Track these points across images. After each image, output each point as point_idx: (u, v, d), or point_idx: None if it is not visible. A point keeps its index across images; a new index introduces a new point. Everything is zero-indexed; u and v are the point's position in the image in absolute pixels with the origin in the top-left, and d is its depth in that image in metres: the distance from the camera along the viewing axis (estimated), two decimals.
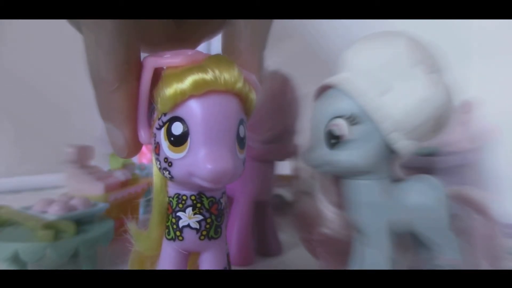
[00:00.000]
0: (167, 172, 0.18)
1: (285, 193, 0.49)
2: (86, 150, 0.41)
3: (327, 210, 0.24)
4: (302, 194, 0.36)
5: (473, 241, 0.23)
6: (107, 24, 0.18)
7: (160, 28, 0.22)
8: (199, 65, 0.18)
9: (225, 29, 0.22)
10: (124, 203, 0.41)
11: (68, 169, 0.39)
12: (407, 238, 0.24)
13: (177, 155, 0.18)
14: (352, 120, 0.21)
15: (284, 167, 0.38)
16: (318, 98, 0.24)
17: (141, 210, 0.45)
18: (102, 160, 0.44)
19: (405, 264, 0.24)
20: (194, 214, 0.19)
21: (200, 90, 0.17)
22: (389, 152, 0.22)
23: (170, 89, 0.17)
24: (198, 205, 0.19)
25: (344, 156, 0.22)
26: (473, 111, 0.44)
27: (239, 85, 0.18)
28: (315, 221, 0.25)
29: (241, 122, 0.18)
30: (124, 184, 0.42)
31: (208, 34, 0.24)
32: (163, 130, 0.18)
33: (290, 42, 0.68)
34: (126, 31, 0.18)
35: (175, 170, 0.18)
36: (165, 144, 0.18)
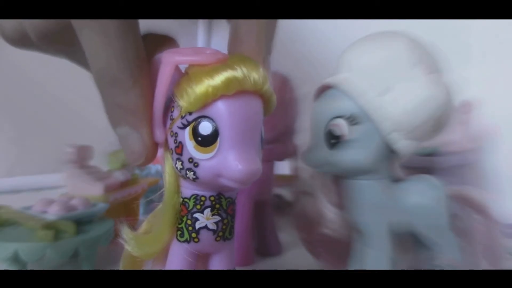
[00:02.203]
0: (192, 172, 0.18)
1: (285, 193, 0.49)
2: (86, 150, 0.41)
3: (327, 210, 0.24)
4: (302, 194, 0.36)
5: (473, 241, 0.23)
6: (114, 24, 0.17)
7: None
8: (227, 64, 0.17)
9: (229, 34, 0.21)
10: (124, 203, 0.41)
11: (68, 169, 0.39)
12: (407, 238, 0.24)
13: (204, 156, 0.17)
14: (352, 120, 0.21)
15: (284, 167, 0.38)
16: (318, 98, 0.24)
17: (141, 210, 0.45)
18: (102, 160, 0.44)
19: (405, 264, 0.24)
20: (213, 215, 0.19)
21: (232, 89, 0.17)
22: (389, 152, 0.22)
23: (201, 87, 0.17)
24: (217, 206, 0.19)
25: (344, 156, 0.22)
26: (473, 111, 0.44)
27: (266, 86, 0.18)
28: (315, 221, 0.25)
29: (262, 123, 0.19)
30: (124, 184, 0.42)
31: None
32: (188, 130, 0.18)
33: (290, 42, 0.68)
34: (131, 29, 0.18)
35: (201, 171, 0.18)
36: (190, 144, 0.18)
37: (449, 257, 0.23)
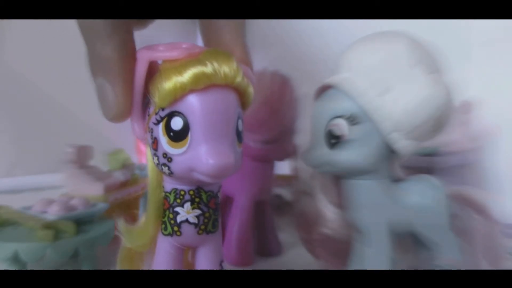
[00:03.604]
0: (167, 167, 0.18)
1: (285, 193, 0.49)
2: (86, 150, 0.41)
3: (327, 210, 0.24)
4: (302, 194, 0.36)
5: (473, 241, 0.23)
6: None
7: None
8: (198, 59, 0.17)
9: (203, 24, 0.21)
10: (124, 203, 0.41)
11: (68, 169, 0.39)
12: (407, 238, 0.24)
13: (177, 151, 0.18)
14: (352, 120, 0.21)
15: (284, 167, 0.38)
16: (318, 98, 0.24)
17: (141, 209, 0.45)
18: (102, 160, 0.44)
19: (405, 264, 0.24)
20: (193, 209, 0.19)
21: (201, 84, 0.17)
22: (389, 152, 0.22)
23: (170, 83, 0.17)
24: (197, 199, 0.19)
25: (344, 156, 0.22)
26: (473, 111, 0.44)
27: (239, 79, 0.18)
28: (315, 221, 0.25)
29: (239, 116, 0.19)
30: (124, 184, 0.42)
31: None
32: (161, 125, 0.18)
33: (290, 42, 0.68)
34: None
35: (175, 166, 0.18)
36: (164, 140, 0.18)
37: (449, 257, 0.23)
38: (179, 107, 0.18)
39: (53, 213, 0.31)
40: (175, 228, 0.20)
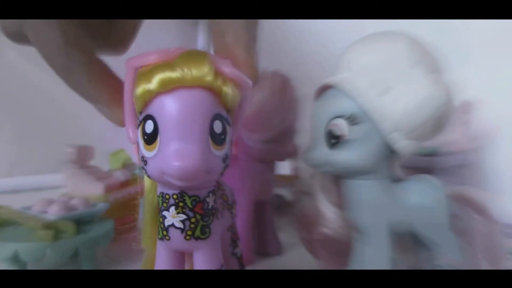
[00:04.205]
0: (144, 170, 0.18)
1: (285, 193, 0.49)
2: (86, 150, 0.41)
3: (327, 210, 0.24)
4: (302, 194, 0.36)
5: (473, 241, 0.23)
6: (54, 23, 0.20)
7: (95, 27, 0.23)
8: (168, 63, 0.18)
9: (211, 25, 0.22)
10: (124, 203, 0.41)
11: (68, 169, 0.39)
12: (407, 238, 0.24)
13: (150, 154, 0.18)
14: (352, 120, 0.21)
15: (284, 167, 0.38)
16: (318, 98, 0.24)
17: (141, 210, 0.45)
18: (103, 160, 0.44)
19: (405, 264, 0.24)
20: (177, 213, 0.19)
21: (166, 88, 0.17)
22: (389, 152, 0.22)
23: (139, 88, 0.18)
24: (181, 204, 0.19)
25: (344, 156, 0.22)
26: (473, 111, 0.44)
27: (209, 78, 0.17)
28: (315, 221, 0.25)
29: (217, 117, 0.18)
30: (124, 184, 0.42)
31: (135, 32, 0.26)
32: (139, 129, 0.18)
33: (290, 42, 0.69)
34: (71, 26, 0.20)
35: (149, 169, 0.18)
36: (141, 143, 0.18)
37: (449, 257, 0.23)
38: (150, 110, 0.18)
39: (53, 213, 0.31)
40: (164, 233, 0.20)
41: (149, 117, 0.18)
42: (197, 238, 0.19)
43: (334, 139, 0.22)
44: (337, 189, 0.24)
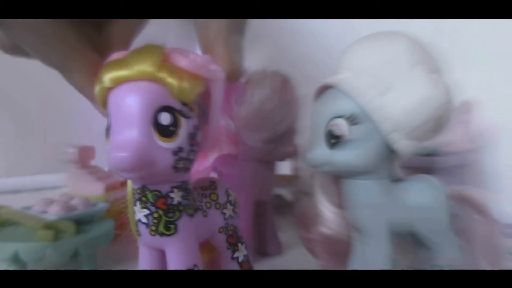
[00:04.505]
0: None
1: (285, 193, 0.49)
2: (87, 150, 0.41)
3: (327, 210, 0.24)
4: (302, 194, 0.36)
5: (473, 241, 0.23)
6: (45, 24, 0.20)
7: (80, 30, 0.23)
8: (119, 60, 0.18)
9: (197, 21, 0.22)
10: (125, 203, 0.41)
11: (69, 169, 0.39)
12: (407, 238, 0.24)
13: (108, 148, 0.18)
14: (352, 120, 0.21)
15: (284, 167, 0.38)
16: (318, 98, 0.24)
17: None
18: (103, 160, 0.44)
19: (405, 264, 0.24)
20: (141, 208, 0.19)
21: (115, 83, 0.18)
22: (389, 152, 0.22)
23: (96, 88, 0.19)
24: (143, 198, 0.19)
25: (344, 156, 0.22)
26: (473, 111, 0.44)
27: (150, 70, 0.17)
28: (315, 221, 0.25)
29: (164, 108, 0.18)
30: (125, 184, 0.42)
31: (131, 34, 0.26)
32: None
33: (290, 42, 0.68)
34: (60, 27, 0.21)
35: (108, 163, 0.18)
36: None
37: (449, 257, 0.23)
38: (107, 106, 0.19)
39: (53, 213, 0.31)
40: (135, 228, 0.20)
41: (108, 113, 0.19)
42: (162, 234, 0.19)
43: (334, 139, 0.22)
44: (337, 189, 0.24)
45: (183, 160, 0.18)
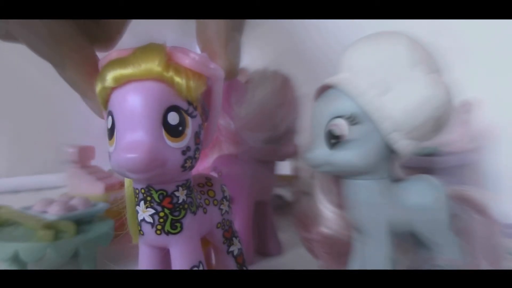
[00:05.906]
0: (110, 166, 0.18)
1: (285, 193, 0.49)
2: (87, 150, 0.41)
3: (327, 210, 0.24)
4: (302, 194, 0.36)
5: (473, 241, 0.23)
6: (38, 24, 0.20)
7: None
8: (121, 59, 0.18)
9: (197, 20, 0.22)
10: (124, 203, 0.41)
11: (69, 169, 0.39)
12: (407, 238, 0.24)
13: (111, 148, 0.18)
14: (352, 120, 0.21)
15: (284, 167, 0.38)
16: (318, 98, 0.24)
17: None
18: (103, 160, 0.44)
19: (405, 264, 0.24)
20: (146, 207, 0.19)
21: (120, 83, 0.17)
22: (389, 152, 0.22)
23: (97, 87, 0.18)
24: (149, 198, 0.19)
25: (344, 156, 0.22)
26: (473, 111, 0.44)
27: (158, 69, 0.17)
28: (315, 221, 0.25)
29: (172, 108, 0.18)
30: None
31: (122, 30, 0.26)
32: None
33: (290, 41, 0.69)
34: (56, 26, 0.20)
35: (112, 163, 0.18)
36: (108, 139, 0.19)
37: (449, 257, 0.23)
38: (110, 106, 0.18)
39: (53, 213, 0.31)
40: (138, 227, 0.20)
41: (109, 113, 0.18)
42: (168, 233, 0.19)
43: (334, 139, 0.22)
44: (337, 189, 0.24)
45: (190, 159, 0.19)
